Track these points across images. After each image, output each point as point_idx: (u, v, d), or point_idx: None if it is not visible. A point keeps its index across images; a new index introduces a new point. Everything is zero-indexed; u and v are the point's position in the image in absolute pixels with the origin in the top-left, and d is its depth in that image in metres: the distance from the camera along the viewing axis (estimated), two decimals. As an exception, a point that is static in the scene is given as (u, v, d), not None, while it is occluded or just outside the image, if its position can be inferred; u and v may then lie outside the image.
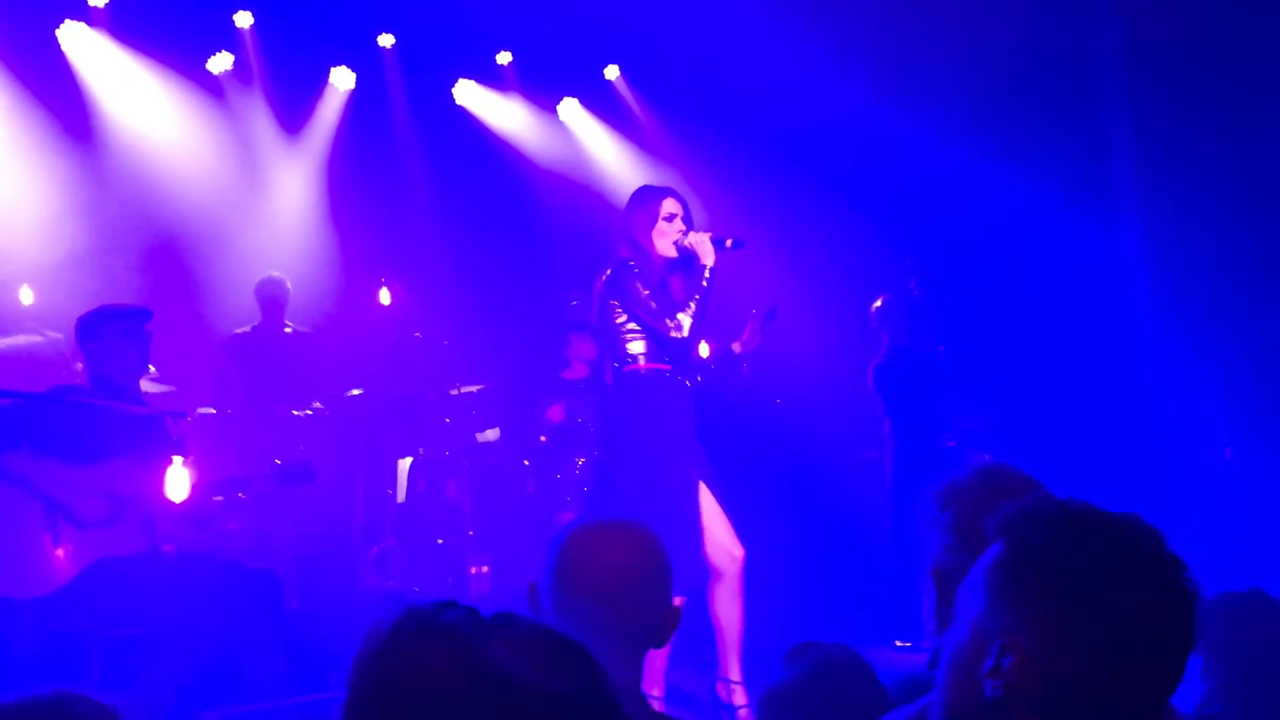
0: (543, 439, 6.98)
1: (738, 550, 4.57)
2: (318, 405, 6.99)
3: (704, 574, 4.52)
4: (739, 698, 4.55)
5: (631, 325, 4.59)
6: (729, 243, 4.60)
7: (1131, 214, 7.31)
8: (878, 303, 6.45)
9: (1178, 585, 1.31)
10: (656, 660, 4.44)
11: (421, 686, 1.09)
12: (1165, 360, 6.97)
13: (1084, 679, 1.27)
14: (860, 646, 2.46)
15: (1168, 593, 1.30)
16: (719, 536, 4.56)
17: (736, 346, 4.88)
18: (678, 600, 2.19)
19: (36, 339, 6.30)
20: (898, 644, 6.00)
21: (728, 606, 4.58)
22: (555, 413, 6.92)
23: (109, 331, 4.34)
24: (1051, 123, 7.47)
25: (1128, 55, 7.21)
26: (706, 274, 4.53)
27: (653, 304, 4.52)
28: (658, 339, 4.55)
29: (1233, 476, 6.66)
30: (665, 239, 4.63)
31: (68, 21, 7.42)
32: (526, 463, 7.20)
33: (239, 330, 7.26)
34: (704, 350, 4.90)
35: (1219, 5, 6.80)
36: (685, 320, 4.50)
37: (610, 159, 8.94)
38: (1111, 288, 7.28)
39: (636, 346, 4.60)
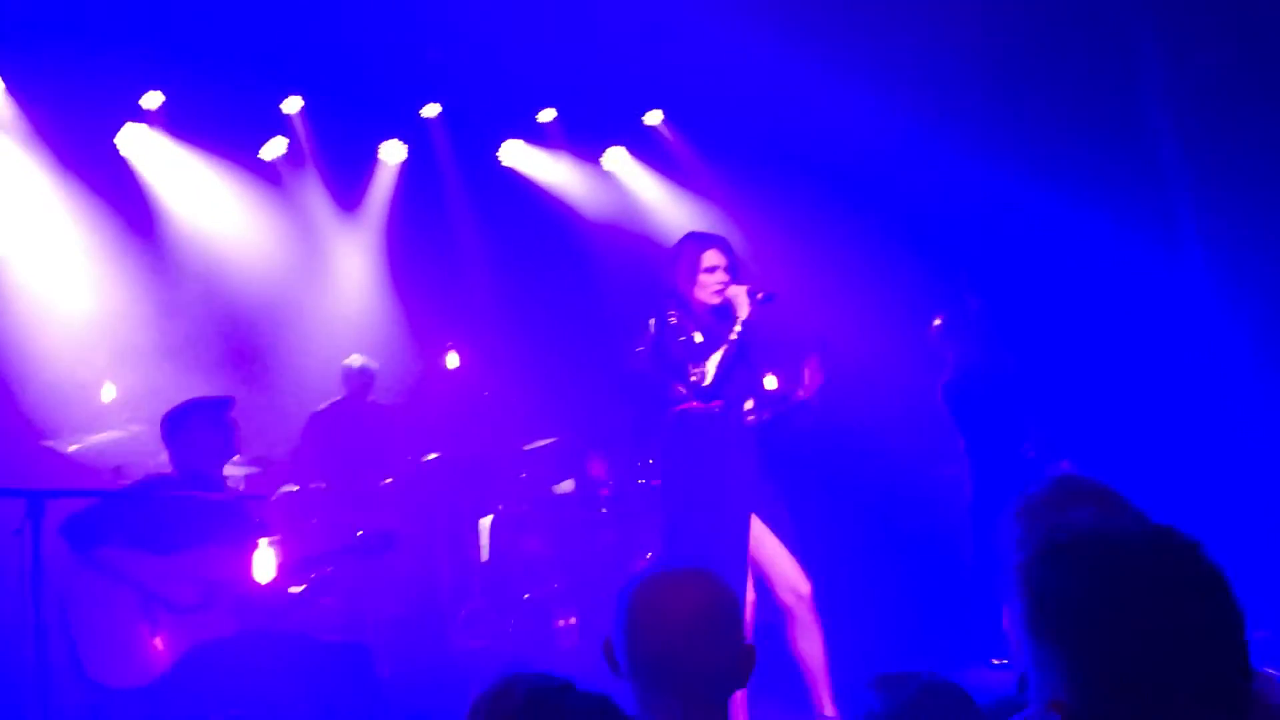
0: (604, 492, 7.02)
1: (804, 587, 4.56)
2: (393, 476, 7.10)
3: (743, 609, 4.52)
4: (837, 730, 4.54)
5: (673, 365, 4.67)
6: (760, 295, 4.63)
7: (1189, 216, 7.18)
8: (937, 321, 6.41)
9: (1210, 606, 1.25)
10: (736, 702, 4.44)
11: None
12: (1234, 363, 6.82)
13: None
14: (953, 666, 2.42)
15: (1197, 619, 1.24)
16: (785, 574, 4.57)
17: (801, 393, 4.86)
18: None
19: (119, 434, 6.49)
20: (995, 662, 5.90)
21: (807, 642, 4.57)
22: (595, 466, 6.97)
23: (194, 424, 4.48)
24: (1099, 126, 7.39)
25: (1174, 59, 7.11)
26: (737, 326, 4.58)
27: (687, 344, 4.59)
28: (688, 381, 4.62)
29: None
30: (706, 290, 4.68)
31: (127, 124, 7.69)
32: (604, 510, 7.23)
33: (320, 408, 7.42)
34: (771, 382, 4.91)
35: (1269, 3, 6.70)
36: (710, 369, 4.55)
37: (659, 203, 9.01)
38: (1173, 292, 7.16)
39: (680, 387, 4.69)
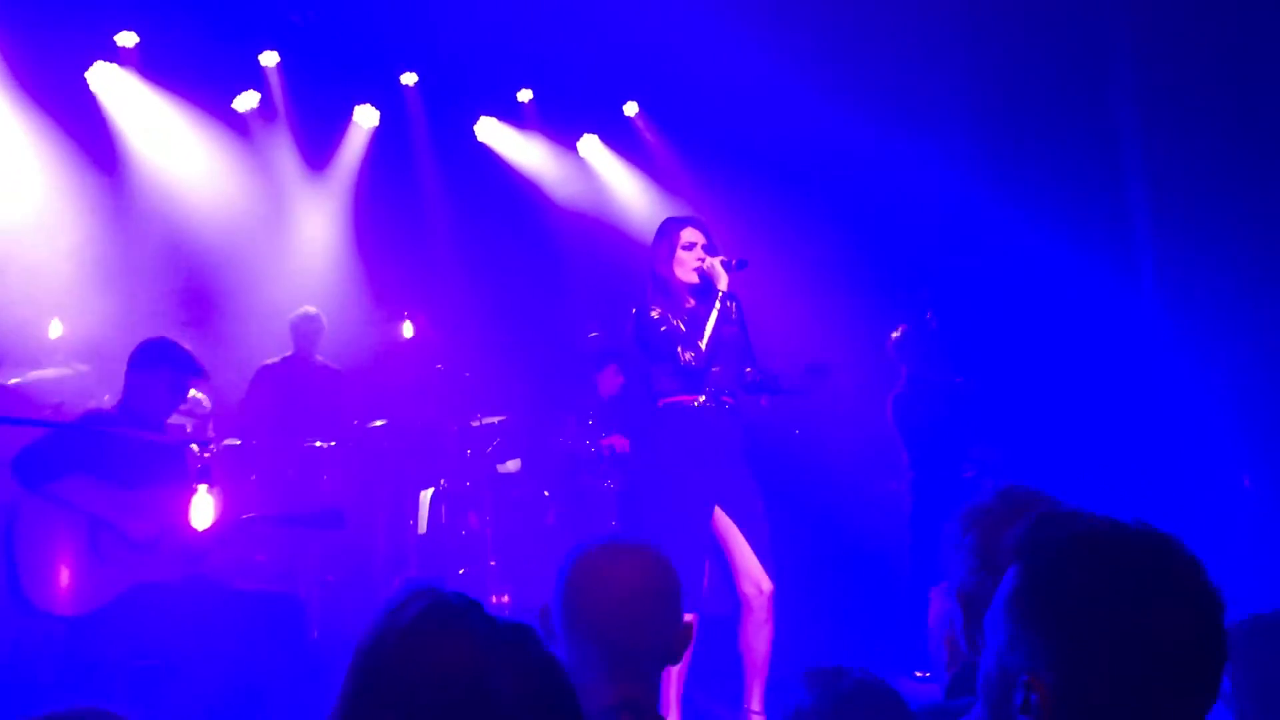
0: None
1: (766, 584, 4.60)
2: (336, 441, 7.06)
3: (703, 596, 4.55)
4: (758, 727, 4.58)
5: (659, 357, 4.67)
6: (734, 263, 4.69)
7: (1146, 240, 7.33)
8: (895, 334, 6.47)
9: (1196, 596, 1.27)
10: (672, 685, 4.47)
11: (427, 681, 1.15)
12: (1182, 389, 6.96)
13: (1111, 706, 1.24)
14: (880, 676, 2.45)
15: (1185, 607, 1.26)
16: (749, 569, 4.60)
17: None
18: (688, 617, 2.21)
19: (65, 371, 6.40)
20: (918, 674, 5.97)
21: (756, 638, 4.61)
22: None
23: (161, 376, 4.45)
24: (1066, 152, 7.51)
25: (1141, 82, 7.25)
26: (719, 299, 4.62)
27: (669, 332, 4.59)
28: (678, 368, 4.62)
29: (1252, 505, 6.63)
30: (685, 268, 4.72)
31: (98, 62, 7.57)
32: (547, 493, 7.24)
33: (269, 361, 7.36)
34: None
35: (1235, 28, 6.84)
36: (701, 345, 4.58)
37: (629, 194, 9.03)
38: (1127, 316, 7.29)
39: (668, 379, 4.68)
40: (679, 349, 4.58)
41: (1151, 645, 1.24)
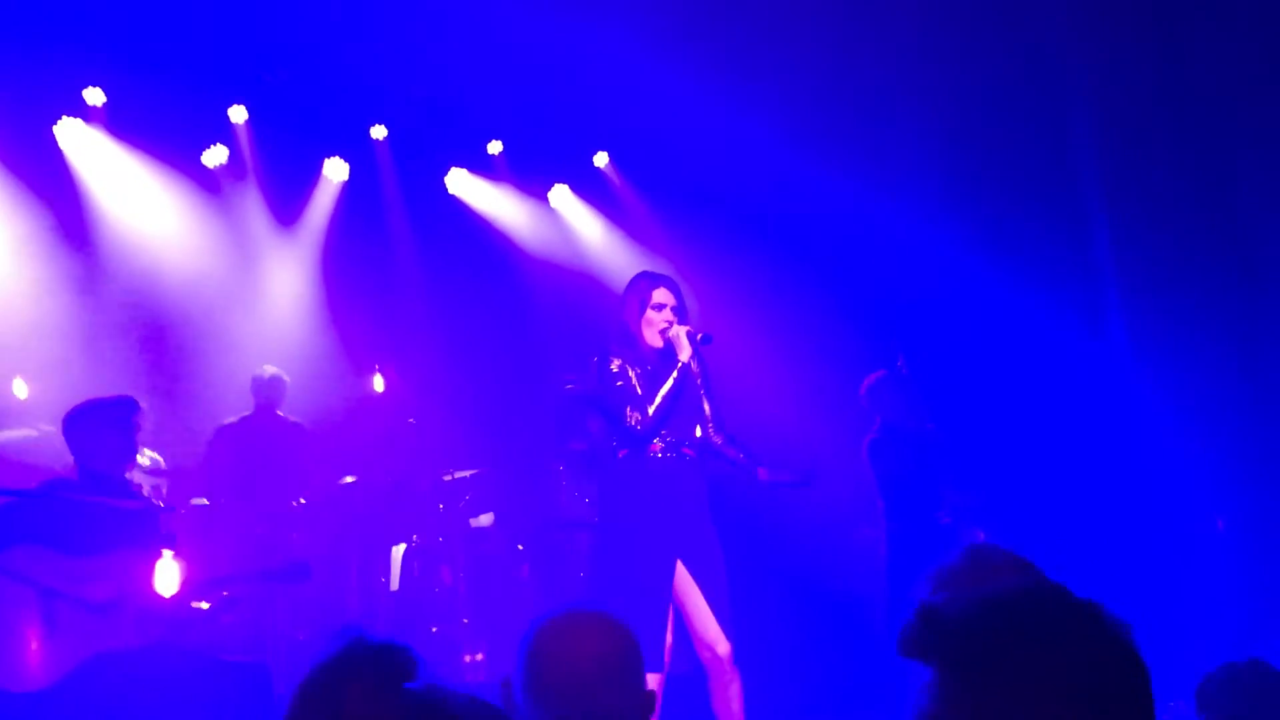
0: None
1: (723, 646, 4.51)
2: (305, 498, 6.99)
3: (663, 652, 4.49)
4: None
5: (609, 413, 4.64)
6: (699, 337, 4.66)
7: (1112, 284, 7.40)
8: (868, 381, 6.49)
9: (1125, 686, 1.24)
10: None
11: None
12: (1155, 433, 7.00)
13: None
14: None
15: (1112, 696, 1.23)
16: (705, 631, 4.54)
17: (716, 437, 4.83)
18: (652, 680, 2.19)
19: (30, 433, 6.32)
20: (899, 726, 5.92)
21: (726, 700, 4.53)
22: None
23: (94, 423, 4.38)
24: (1032, 199, 7.61)
25: (1102, 129, 7.36)
26: (677, 368, 4.58)
27: (625, 389, 4.57)
28: (626, 428, 4.58)
29: (1225, 548, 6.66)
30: (652, 328, 4.69)
31: (64, 118, 7.55)
32: (521, 547, 7.17)
33: (228, 421, 7.28)
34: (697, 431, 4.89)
35: (1193, 85, 6.96)
36: (650, 411, 4.54)
37: (600, 244, 9.04)
38: (1096, 360, 7.34)
39: (618, 434, 4.65)
40: (628, 409, 4.55)
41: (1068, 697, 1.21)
